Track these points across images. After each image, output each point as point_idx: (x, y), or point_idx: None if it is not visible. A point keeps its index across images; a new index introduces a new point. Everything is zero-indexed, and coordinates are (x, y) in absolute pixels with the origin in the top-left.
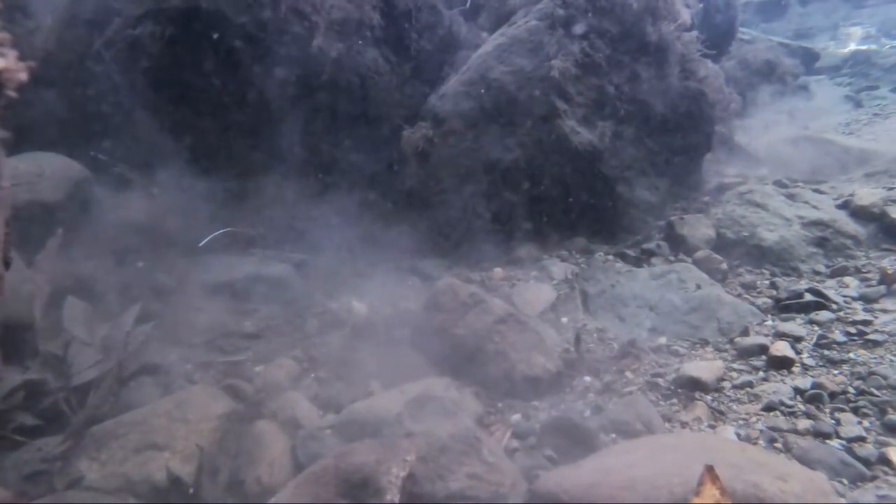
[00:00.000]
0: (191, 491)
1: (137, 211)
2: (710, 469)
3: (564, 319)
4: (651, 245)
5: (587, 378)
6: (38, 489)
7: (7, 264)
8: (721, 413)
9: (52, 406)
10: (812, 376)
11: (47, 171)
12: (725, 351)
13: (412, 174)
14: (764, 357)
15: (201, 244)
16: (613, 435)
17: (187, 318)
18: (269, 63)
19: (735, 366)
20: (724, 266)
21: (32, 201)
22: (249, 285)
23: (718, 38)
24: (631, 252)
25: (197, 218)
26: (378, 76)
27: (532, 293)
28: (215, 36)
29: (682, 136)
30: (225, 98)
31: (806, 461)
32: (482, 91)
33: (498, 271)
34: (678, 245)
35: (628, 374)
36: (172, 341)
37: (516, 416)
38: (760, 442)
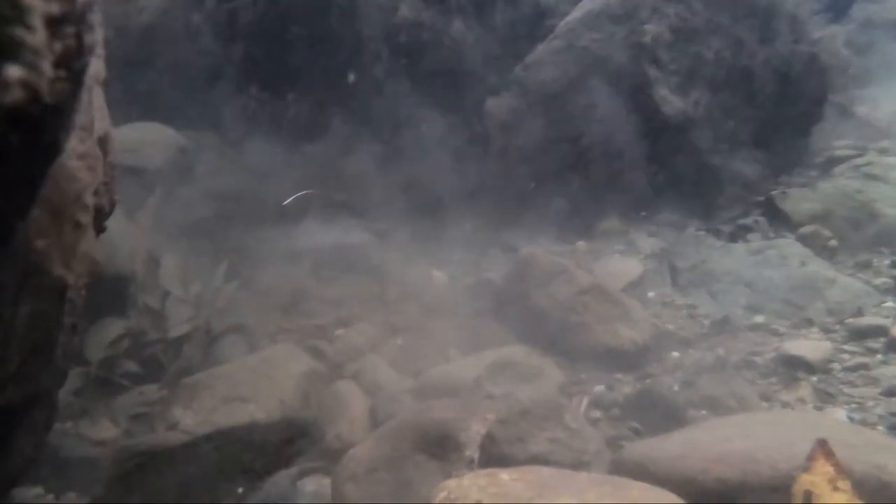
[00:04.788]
0: None
1: (230, 178)
2: (823, 443)
3: (651, 294)
4: (748, 220)
5: (675, 353)
6: (141, 429)
7: (112, 205)
8: (830, 395)
9: (152, 356)
10: None
11: (150, 139)
12: (834, 332)
13: (496, 144)
14: (883, 339)
15: (285, 203)
16: (704, 411)
17: (272, 282)
18: (356, 33)
19: (847, 347)
20: (835, 243)
21: (136, 166)
22: (332, 252)
23: None
24: (725, 227)
25: (285, 185)
26: (463, 46)
27: (617, 266)
28: (307, 8)
29: (789, 104)
30: (315, 68)
31: None
32: (570, 59)
33: (581, 244)
34: (779, 220)
35: (720, 350)
36: (258, 303)
37: (599, 388)
38: (880, 428)
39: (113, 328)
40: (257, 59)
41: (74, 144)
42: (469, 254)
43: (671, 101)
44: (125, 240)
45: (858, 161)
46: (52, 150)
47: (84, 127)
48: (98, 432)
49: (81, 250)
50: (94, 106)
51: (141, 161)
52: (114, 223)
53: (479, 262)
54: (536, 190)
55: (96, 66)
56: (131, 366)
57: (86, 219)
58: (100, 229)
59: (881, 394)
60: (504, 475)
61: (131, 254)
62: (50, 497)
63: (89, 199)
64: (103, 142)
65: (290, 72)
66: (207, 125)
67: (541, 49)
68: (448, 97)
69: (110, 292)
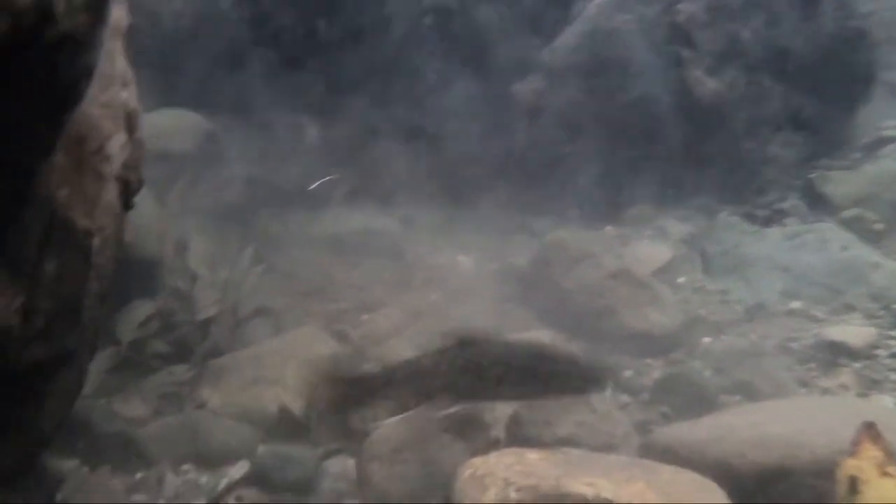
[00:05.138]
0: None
1: (257, 163)
2: (870, 426)
3: (681, 279)
4: (785, 205)
5: (706, 339)
6: (171, 408)
7: (140, 182)
8: (874, 381)
9: (181, 337)
10: None
11: (178, 124)
12: (879, 317)
13: (523, 128)
14: None
15: (311, 188)
16: (737, 396)
17: (298, 267)
18: (385, 18)
19: (893, 333)
20: (880, 227)
21: (164, 151)
22: (357, 238)
23: None
24: (759, 212)
25: (311, 170)
26: (490, 31)
27: (646, 251)
28: None
29: (833, 84)
30: (344, 53)
31: None
32: (598, 42)
33: (610, 229)
34: (818, 204)
35: (754, 336)
36: (283, 287)
37: (628, 373)
38: None
39: (143, 310)
40: (287, 44)
41: (96, 92)
42: (495, 238)
43: (705, 82)
44: (154, 223)
45: None
46: (73, 89)
47: (106, 75)
48: (130, 410)
49: (104, 201)
50: (115, 58)
51: (169, 146)
52: (143, 207)
53: (506, 247)
54: (564, 174)
55: (117, 14)
56: (161, 346)
57: (108, 169)
58: (128, 205)
59: None
60: (531, 454)
61: (160, 237)
62: (85, 470)
63: (113, 150)
64: (131, 117)
65: (318, 57)
66: (237, 110)
67: (569, 31)
68: (475, 81)
69: (140, 275)
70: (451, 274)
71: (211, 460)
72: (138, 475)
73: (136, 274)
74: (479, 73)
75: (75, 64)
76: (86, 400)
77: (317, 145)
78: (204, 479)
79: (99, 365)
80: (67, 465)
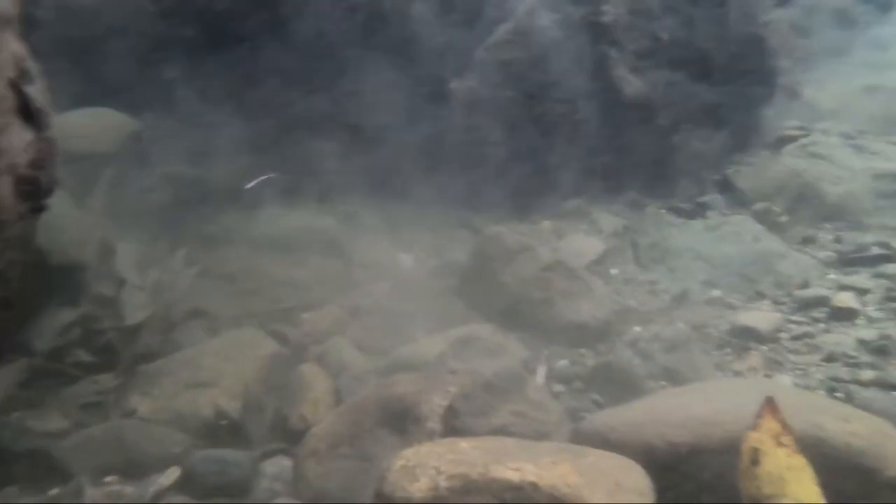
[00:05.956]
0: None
1: (188, 162)
2: (770, 401)
3: (614, 271)
4: (706, 198)
5: (637, 328)
6: (94, 419)
7: (52, 182)
8: (778, 363)
9: (106, 344)
10: (878, 328)
11: (100, 123)
12: (784, 304)
13: (460, 125)
14: (826, 309)
15: (247, 187)
16: (663, 382)
17: (234, 267)
18: (311, 11)
19: (794, 318)
20: (784, 219)
21: (85, 151)
22: (295, 236)
23: None
24: (684, 205)
25: (247, 169)
26: (424, 27)
27: (580, 244)
28: None
29: (741, 85)
30: (274, 48)
31: (870, 410)
32: (529, 40)
33: (546, 224)
34: (734, 198)
35: (679, 324)
36: (219, 289)
37: (563, 362)
38: (820, 391)
39: (62, 317)
40: (211, 38)
41: None
42: (434, 234)
43: (630, 80)
44: (74, 227)
45: (805, 141)
46: None
47: None
48: (46, 424)
49: None
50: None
51: (90, 146)
52: (61, 209)
53: (445, 243)
54: (501, 171)
55: (2, 4)
56: (83, 355)
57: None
58: (38, 207)
59: (822, 360)
60: (463, 443)
61: (81, 241)
62: None
63: (4, 144)
64: (39, 114)
65: (246, 52)
66: (161, 108)
67: (502, 29)
68: (411, 78)
69: (59, 281)
70: (391, 271)
71: (138, 470)
72: (53, 492)
73: (54, 280)
74: (416, 70)
75: None
76: None
77: (247, 142)
78: (129, 489)
79: (8, 378)
80: None
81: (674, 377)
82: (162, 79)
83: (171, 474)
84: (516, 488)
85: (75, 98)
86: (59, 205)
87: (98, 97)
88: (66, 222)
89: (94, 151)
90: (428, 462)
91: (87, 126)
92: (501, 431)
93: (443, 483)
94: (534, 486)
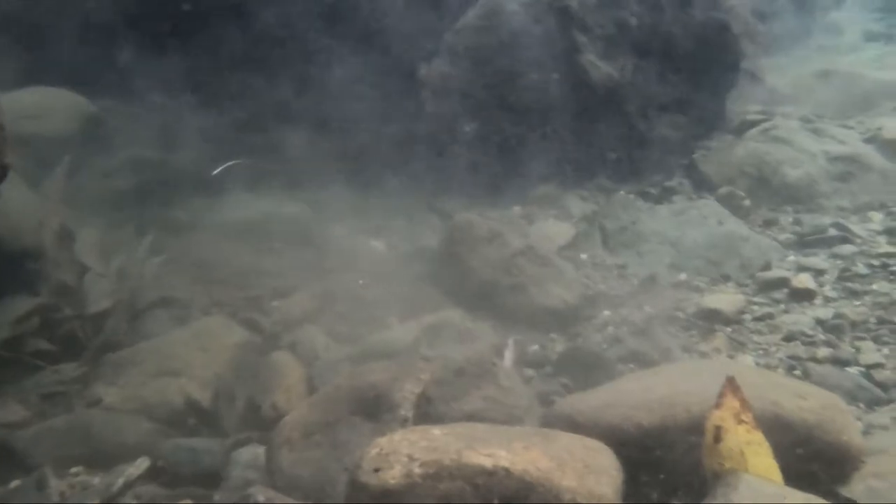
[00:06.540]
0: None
1: (151, 147)
2: (731, 380)
3: (583, 256)
4: (673, 183)
5: (606, 312)
6: (56, 409)
7: (4, 168)
8: (741, 343)
9: (68, 333)
10: (833, 307)
11: (53, 104)
12: (747, 285)
13: (429, 111)
14: (786, 290)
15: (214, 173)
16: (631, 365)
17: (203, 254)
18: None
19: (756, 299)
20: (747, 203)
21: (37, 133)
22: (265, 223)
23: None
24: (652, 190)
25: (213, 155)
26: (393, 11)
27: (551, 230)
28: None
29: (706, 70)
30: (239, 31)
31: (824, 386)
32: (499, 25)
33: (517, 209)
34: (700, 182)
35: (647, 308)
36: (188, 276)
37: (533, 347)
38: (780, 370)
39: (19, 306)
40: (173, 19)
41: None
42: (405, 220)
43: (599, 66)
44: (30, 212)
45: (766, 125)
46: None
47: None
48: (5, 415)
49: None
50: None
51: (43, 128)
52: (15, 194)
53: (416, 229)
54: (470, 156)
55: None
56: (43, 344)
57: None
58: None
59: (782, 339)
60: (436, 430)
61: (38, 227)
62: None
63: None
64: None
65: (210, 35)
66: (121, 91)
67: (471, 14)
68: (379, 63)
69: (15, 269)
70: (362, 257)
71: (106, 460)
72: (13, 483)
73: (9, 268)
74: (384, 54)
75: None
76: None
77: (212, 128)
78: (96, 480)
79: None
80: None
81: (642, 360)
82: (124, 62)
83: (141, 464)
84: (489, 473)
85: (24, 77)
86: (12, 189)
87: (51, 78)
88: (21, 207)
89: (47, 133)
90: (401, 449)
91: (37, 106)
92: (474, 417)
93: (416, 470)
94: (506, 471)
